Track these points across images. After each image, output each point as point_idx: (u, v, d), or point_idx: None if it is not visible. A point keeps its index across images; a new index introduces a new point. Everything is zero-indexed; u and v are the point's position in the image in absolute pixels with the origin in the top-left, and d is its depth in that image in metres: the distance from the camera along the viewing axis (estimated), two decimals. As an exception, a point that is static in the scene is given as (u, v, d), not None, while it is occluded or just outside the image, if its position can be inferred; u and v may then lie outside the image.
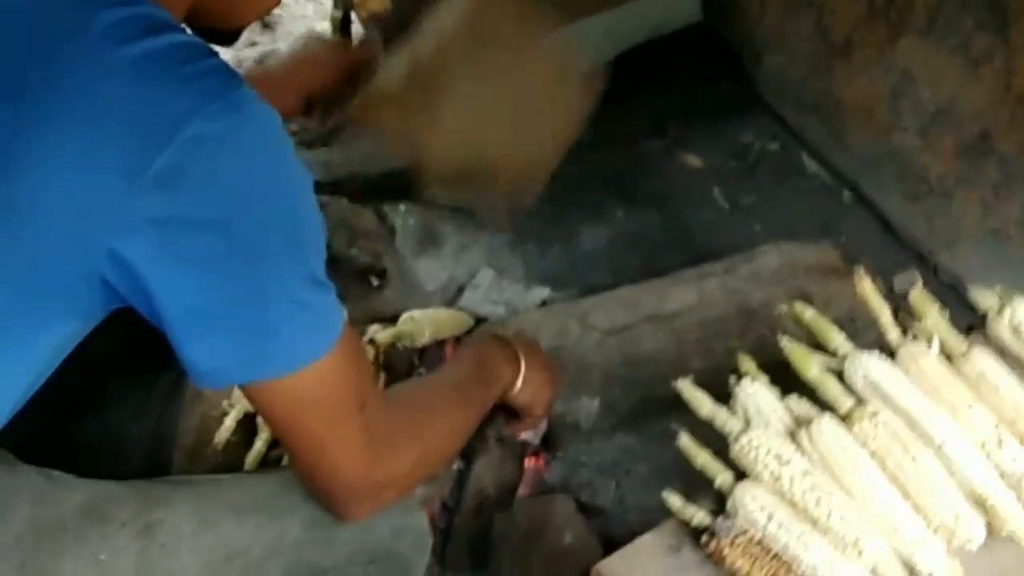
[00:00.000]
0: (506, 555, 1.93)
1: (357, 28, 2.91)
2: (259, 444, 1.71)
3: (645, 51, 2.92)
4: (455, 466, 1.91)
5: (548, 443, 2.07)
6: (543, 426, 2.04)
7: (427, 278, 2.42)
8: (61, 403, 1.12)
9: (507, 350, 1.52)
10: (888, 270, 2.36)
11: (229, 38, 1.20)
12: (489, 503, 1.95)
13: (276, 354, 1.00)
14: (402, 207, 2.58)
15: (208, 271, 0.96)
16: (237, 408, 1.79)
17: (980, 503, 1.33)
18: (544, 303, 2.34)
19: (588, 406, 2.06)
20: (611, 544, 1.93)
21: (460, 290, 2.39)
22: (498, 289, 2.38)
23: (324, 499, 1.14)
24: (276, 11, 2.81)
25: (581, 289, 2.37)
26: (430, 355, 2.07)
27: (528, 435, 2.02)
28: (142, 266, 0.94)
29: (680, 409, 2.09)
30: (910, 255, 2.47)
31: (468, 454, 1.93)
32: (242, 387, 1.04)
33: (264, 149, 0.98)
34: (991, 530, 1.33)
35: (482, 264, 2.47)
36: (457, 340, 2.11)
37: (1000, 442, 1.36)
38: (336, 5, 2.81)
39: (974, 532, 1.31)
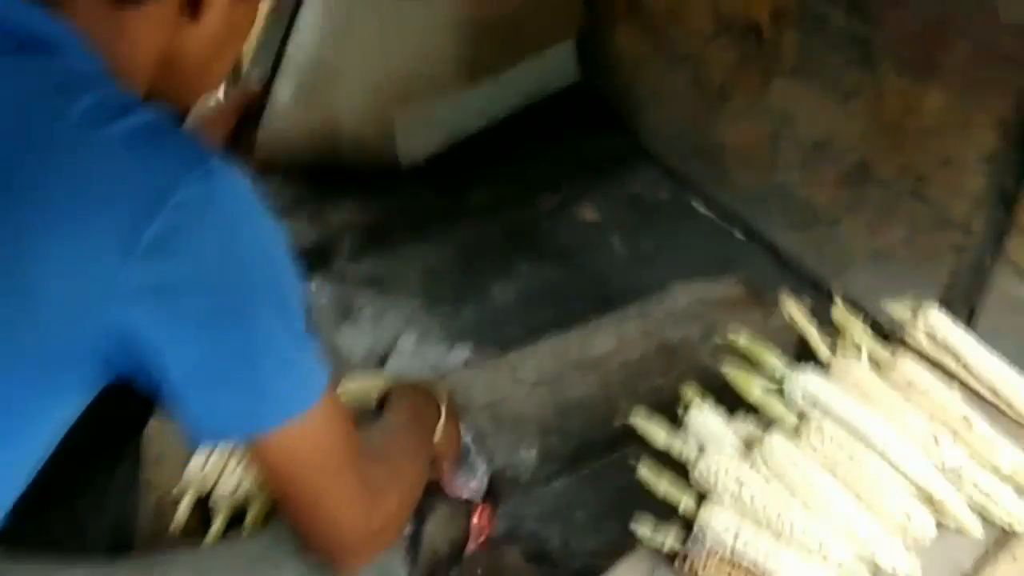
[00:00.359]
0: (463, 612, 1.96)
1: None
2: (217, 524, 1.71)
3: (529, 114, 3.03)
4: (407, 529, 1.93)
5: (490, 498, 2.11)
6: (484, 481, 2.08)
7: (348, 351, 2.45)
8: (30, 497, 1.12)
9: (431, 398, 1.56)
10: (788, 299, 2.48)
11: (178, 119, 1.24)
12: (442, 562, 1.98)
13: (270, 406, 1.04)
14: (312, 285, 2.60)
15: (203, 331, 0.99)
16: (190, 492, 1.79)
17: (927, 500, 1.42)
18: (467, 361, 2.38)
19: (527, 458, 2.11)
20: (561, 589, 1.99)
21: (383, 359, 2.42)
22: (421, 353, 2.42)
23: (324, 555, 1.15)
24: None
25: (500, 343, 2.43)
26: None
27: (470, 492, 2.06)
28: (141, 333, 0.97)
29: (612, 449, 2.17)
30: (804, 283, 2.59)
31: (418, 515, 1.96)
32: (245, 445, 1.07)
33: (244, 211, 1.02)
34: (940, 523, 1.42)
35: (400, 331, 2.51)
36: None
37: (936, 440, 1.45)
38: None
39: (925, 527, 1.39)
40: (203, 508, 1.75)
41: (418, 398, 1.54)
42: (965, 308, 2.35)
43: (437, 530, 1.98)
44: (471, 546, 2.04)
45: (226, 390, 1.02)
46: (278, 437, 1.05)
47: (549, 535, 2.09)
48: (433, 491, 1.97)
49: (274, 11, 1.98)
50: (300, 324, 1.06)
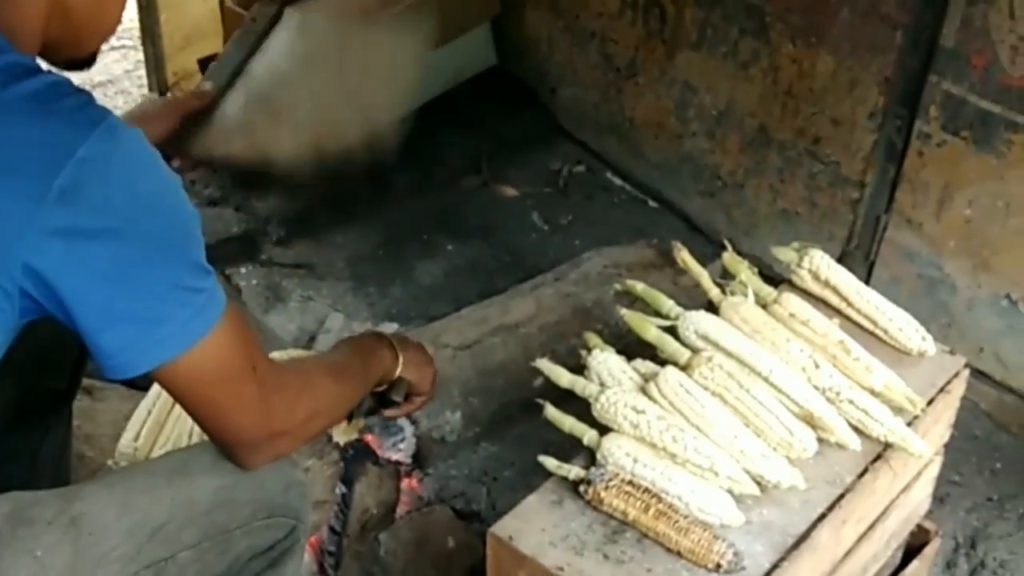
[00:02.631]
0: (396, 568, 2.04)
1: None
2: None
3: (449, 97, 3.12)
4: (338, 490, 2.02)
5: (418, 461, 2.21)
6: (412, 444, 2.18)
7: (278, 332, 2.53)
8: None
9: (382, 339, 1.65)
10: (699, 262, 2.59)
11: (84, 64, 1.33)
12: (373, 522, 2.07)
13: (172, 338, 1.15)
14: (243, 269, 2.68)
15: (108, 274, 1.10)
16: (125, 464, 1.86)
17: (808, 419, 1.53)
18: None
19: (452, 420, 2.21)
20: (490, 545, 2.08)
21: (312, 338, 2.51)
22: (348, 331, 2.51)
23: (230, 453, 1.29)
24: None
25: (426, 320, 2.52)
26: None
27: (400, 455, 2.15)
28: (52, 274, 1.08)
29: (535, 411, 2.27)
30: (715, 245, 2.71)
31: (348, 478, 2.05)
32: (151, 374, 1.17)
33: (142, 164, 1.13)
34: (821, 439, 1.53)
35: (328, 312, 2.59)
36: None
37: (816, 366, 1.56)
38: (150, 88, 2.92)
39: (807, 444, 1.50)
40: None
41: (364, 339, 1.64)
42: (864, 259, 2.49)
43: (367, 492, 2.07)
44: (402, 508, 2.14)
45: (131, 328, 1.13)
46: (183, 362, 1.16)
47: (476, 495, 2.19)
48: (363, 455, 2.08)
49: (243, 32, 2.09)
50: (200, 257, 1.17)
